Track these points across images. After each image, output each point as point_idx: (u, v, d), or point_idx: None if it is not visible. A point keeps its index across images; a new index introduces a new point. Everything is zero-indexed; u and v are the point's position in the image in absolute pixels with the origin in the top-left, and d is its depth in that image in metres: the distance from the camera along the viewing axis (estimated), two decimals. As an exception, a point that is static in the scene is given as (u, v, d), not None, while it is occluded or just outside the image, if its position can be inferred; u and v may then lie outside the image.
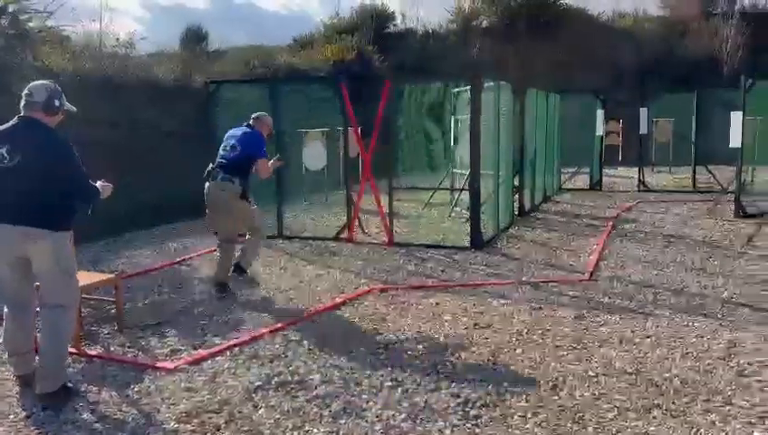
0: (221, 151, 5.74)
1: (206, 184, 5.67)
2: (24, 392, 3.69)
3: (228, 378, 3.90)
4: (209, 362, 4.15)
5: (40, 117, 3.62)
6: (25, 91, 3.66)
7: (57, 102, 3.68)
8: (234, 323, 4.98)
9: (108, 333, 4.74)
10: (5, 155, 3.51)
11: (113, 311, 4.97)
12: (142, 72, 11.91)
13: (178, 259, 7.14)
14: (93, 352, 4.35)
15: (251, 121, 5.86)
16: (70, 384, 3.69)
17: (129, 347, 4.48)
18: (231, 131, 5.86)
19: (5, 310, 3.75)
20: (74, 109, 3.83)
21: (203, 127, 8.59)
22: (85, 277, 4.71)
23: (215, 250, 7.45)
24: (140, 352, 4.39)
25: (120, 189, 4.11)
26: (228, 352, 4.29)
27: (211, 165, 5.70)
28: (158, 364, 4.11)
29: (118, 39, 12.56)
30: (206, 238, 8.27)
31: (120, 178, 4.21)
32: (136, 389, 3.78)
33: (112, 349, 4.45)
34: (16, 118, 3.65)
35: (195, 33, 19.60)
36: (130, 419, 3.44)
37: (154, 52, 15.87)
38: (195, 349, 4.40)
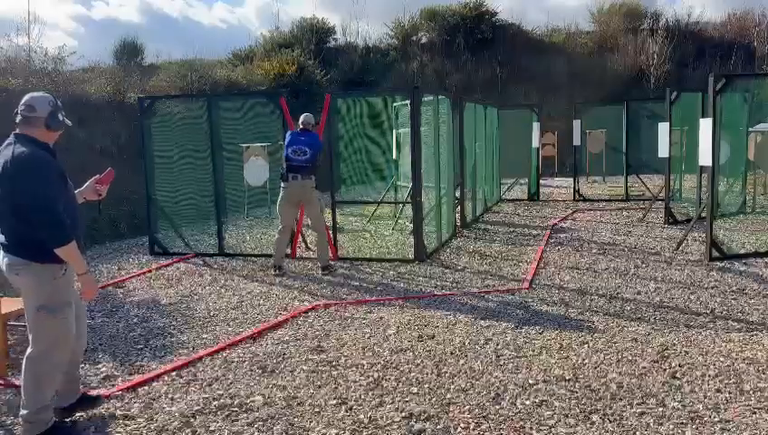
0: (291, 155, 6.68)
1: (285, 183, 6.71)
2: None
3: (165, 404, 3.77)
4: (145, 387, 4.00)
5: (38, 135, 3.22)
6: (23, 105, 3.23)
7: (61, 117, 3.28)
8: (171, 346, 4.82)
9: (36, 362, 4.51)
10: None
11: (42, 338, 4.73)
12: (74, 87, 11.53)
13: (111, 282, 6.88)
14: (20, 382, 4.11)
15: (301, 126, 6.84)
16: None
17: (58, 376, 4.27)
18: (291, 138, 6.78)
19: None
20: (70, 123, 3.44)
21: (136, 144, 8.35)
22: (11, 303, 4.48)
23: (150, 271, 7.28)
24: (71, 381, 4.18)
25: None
26: (165, 377, 4.15)
27: (284, 167, 6.72)
28: (91, 392, 3.93)
29: (46, 54, 12.13)
30: (140, 259, 8.03)
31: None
32: (67, 419, 3.59)
33: (41, 378, 4.22)
34: (12, 136, 3.23)
35: (129, 47, 19.13)
36: (60, 452, 3.27)
37: (87, 67, 15.41)
38: (130, 375, 4.24)
